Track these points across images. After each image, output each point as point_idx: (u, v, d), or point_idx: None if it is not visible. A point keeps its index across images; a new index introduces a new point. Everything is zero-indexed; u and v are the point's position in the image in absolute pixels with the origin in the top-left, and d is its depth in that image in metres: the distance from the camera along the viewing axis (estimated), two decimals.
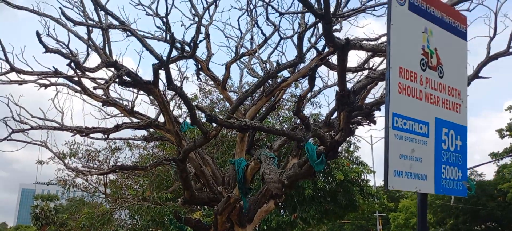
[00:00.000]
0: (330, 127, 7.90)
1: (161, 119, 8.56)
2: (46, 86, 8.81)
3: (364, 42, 7.14)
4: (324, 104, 25.98)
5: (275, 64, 8.82)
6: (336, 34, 7.61)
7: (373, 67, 8.50)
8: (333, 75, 10.37)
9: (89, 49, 8.27)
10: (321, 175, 16.02)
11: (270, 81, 8.85)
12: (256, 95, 9.17)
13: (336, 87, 5.21)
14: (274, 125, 15.78)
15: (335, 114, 7.93)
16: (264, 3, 9.05)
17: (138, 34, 7.56)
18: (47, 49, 7.05)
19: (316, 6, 5.35)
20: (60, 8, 7.30)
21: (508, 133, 34.98)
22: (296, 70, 8.58)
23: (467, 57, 3.88)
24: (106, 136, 9.53)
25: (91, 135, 9.77)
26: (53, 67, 8.01)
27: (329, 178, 16.38)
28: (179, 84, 8.46)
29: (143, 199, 14.43)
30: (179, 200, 8.82)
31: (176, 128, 8.04)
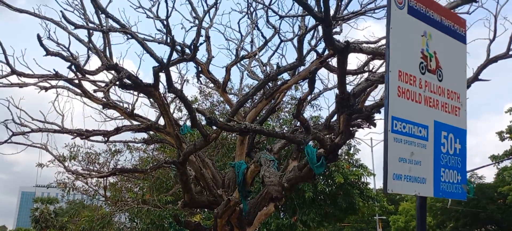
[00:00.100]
0: (330, 129, 7.91)
1: (161, 121, 8.56)
2: (46, 89, 8.81)
3: (364, 45, 7.16)
4: (324, 107, 25.97)
5: (275, 66, 8.84)
6: (336, 36, 7.62)
7: (373, 70, 8.52)
8: (333, 78, 10.39)
9: (90, 52, 8.28)
10: (321, 177, 16.02)
11: (270, 84, 8.86)
12: (256, 98, 9.18)
13: (336, 90, 5.23)
14: (274, 128, 15.79)
15: (335, 117, 7.94)
16: (264, 6, 9.08)
17: (139, 37, 7.58)
18: (48, 52, 7.07)
19: (316, 9, 5.37)
20: (61, 11, 7.32)
21: (508, 135, 34.98)
22: (296, 73, 8.60)
23: (467, 60, 3.89)
24: (106, 138, 9.53)
25: (91, 138, 9.75)
26: (54, 70, 8.03)
27: (329, 180, 16.38)
28: (179, 87, 8.48)
29: (143, 202, 14.43)
30: (179, 203, 8.81)
31: (176, 130, 8.05)
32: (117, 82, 7.05)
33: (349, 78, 9.14)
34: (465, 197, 3.66)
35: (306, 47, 8.61)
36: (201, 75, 9.73)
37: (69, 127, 9.57)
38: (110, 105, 8.65)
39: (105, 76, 9.00)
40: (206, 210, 14.37)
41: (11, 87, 8.55)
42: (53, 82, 8.83)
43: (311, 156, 5.85)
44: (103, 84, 8.51)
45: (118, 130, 9.02)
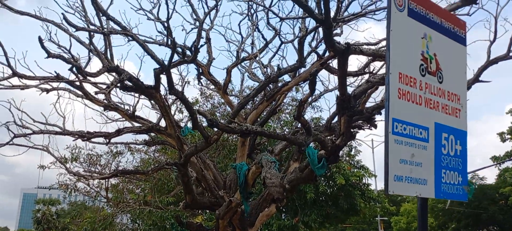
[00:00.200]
0: (331, 131, 7.91)
1: (163, 123, 8.58)
2: (48, 91, 8.84)
3: (364, 47, 7.17)
4: (324, 108, 25.96)
5: (276, 68, 8.85)
6: (336, 38, 7.65)
7: (374, 72, 8.52)
8: (334, 79, 10.39)
9: (91, 54, 8.30)
10: (323, 179, 16.02)
11: (271, 86, 8.87)
12: (257, 99, 9.19)
13: (337, 92, 5.23)
14: (275, 129, 15.80)
15: (336, 119, 7.95)
16: (265, 8, 9.09)
17: (140, 39, 7.60)
18: (50, 55, 7.08)
19: (316, 11, 5.38)
20: (62, 13, 7.34)
21: (509, 136, 34.93)
22: (297, 75, 8.61)
23: (467, 61, 3.90)
24: (107, 140, 9.54)
25: (93, 139, 9.78)
26: (55, 72, 8.06)
27: (330, 182, 16.39)
28: (180, 89, 8.49)
29: (144, 203, 14.44)
30: (181, 204, 8.82)
31: (178, 132, 8.06)
32: (118, 84, 7.07)
33: (350, 79, 9.15)
34: (466, 198, 3.66)
35: (306, 49, 8.63)
36: (202, 77, 9.75)
37: (70, 129, 9.59)
38: (111, 107, 8.67)
39: (106, 78, 9.03)
40: (207, 211, 14.39)
41: (12, 89, 8.58)
42: (55, 84, 8.86)
43: (312, 157, 5.86)
44: (104, 86, 8.54)
45: (119, 132, 9.04)
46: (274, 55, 9.90)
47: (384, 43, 8.19)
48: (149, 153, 16.38)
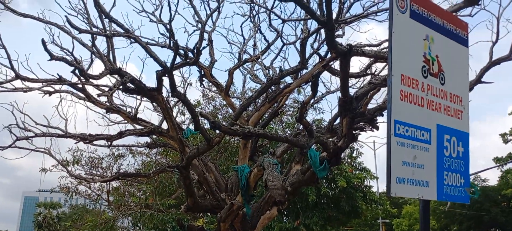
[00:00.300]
0: (333, 133, 7.91)
1: (165, 125, 8.59)
2: (50, 93, 8.86)
3: (366, 48, 7.16)
4: (326, 110, 25.89)
5: (278, 70, 8.86)
6: (338, 39, 7.65)
7: (376, 73, 8.52)
8: (336, 81, 10.41)
9: (93, 56, 8.32)
10: (324, 181, 16.02)
11: (273, 87, 8.88)
12: (259, 101, 9.20)
13: (339, 93, 5.23)
14: (277, 131, 15.81)
15: (337, 120, 7.95)
16: (267, 10, 9.10)
17: (142, 41, 7.62)
18: (52, 57, 7.11)
19: (318, 12, 5.39)
20: (65, 16, 7.37)
21: (511, 137, 34.88)
22: (299, 76, 8.61)
23: (469, 62, 3.90)
24: (109, 142, 9.55)
25: (95, 142, 9.79)
26: (58, 74, 8.07)
27: (332, 184, 16.39)
28: (182, 91, 8.51)
29: (146, 206, 14.44)
30: (182, 207, 8.82)
31: (179, 134, 8.07)
32: (121, 87, 7.08)
33: (352, 81, 9.15)
34: (469, 200, 3.66)
35: (308, 50, 8.65)
36: (204, 79, 9.76)
37: (72, 131, 9.60)
38: (113, 110, 8.68)
39: (109, 80, 9.05)
40: (209, 214, 14.38)
41: (15, 92, 8.59)
42: (57, 87, 8.87)
43: (314, 159, 5.85)
44: (106, 89, 8.55)
45: (121, 134, 9.05)
46: (276, 57, 9.93)
47: (386, 44, 8.20)
48: (151, 156, 16.40)
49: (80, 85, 8.45)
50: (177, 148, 8.45)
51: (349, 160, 17.41)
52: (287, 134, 13.51)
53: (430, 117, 3.40)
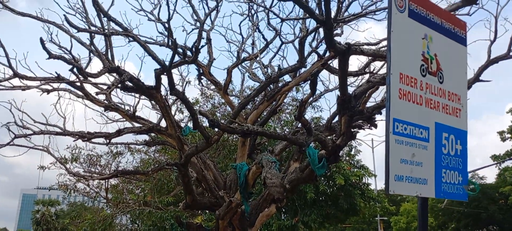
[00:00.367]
0: (331, 131, 7.94)
1: (163, 123, 8.60)
2: (48, 91, 8.86)
3: (364, 47, 7.19)
4: (325, 108, 25.97)
5: (276, 68, 8.87)
6: (337, 38, 7.67)
7: (374, 71, 8.55)
8: (334, 79, 10.42)
9: (92, 54, 8.32)
10: (323, 179, 16.04)
11: (272, 86, 8.89)
12: (258, 99, 9.21)
13: (337, 92, 5.25)
14: (276, 129, 15.82)
15: (336, 119, 7.97)
16: (265, 9, 9.10)
17: (141, 40, 7.62)
18: (51, 55, 7.10)
19: (317, 11, 5.40)
20: (64, 15, 7.36)
21: (509, 135, 34.97)
22: (297, 75, 8.63)
23: (467, 61, 3.92)
24: (107, 140, 9.56)
25: (93, 140, 9.80)
26: (56, 73, 8.07)
27: (330, 182, 16.41)
28: (181, 89, 8.51)
29: (144, 203, 14.44)
30: (181, 204, 8.84)
31: (178, 132, 8.08)
32: (119, 85, 7.09)
33: (350, 79, 9.17)
34: (467, 197, 3.68)
35: (307, 49, 8.65)
36: (202, 77, 9.77)
37: (70, 129, 9.61)
38: (111, 108, 8.69)
39: (107, 79, 9.04)
40: (207, 211, 14.41)
41: (13, 90, 8.59)
42: (55, 85, 8.87)
43: (313, 157, 5.88)
44: (105, 87, 8.56)
45: (119, 132, 9.06)
46: (274, 56, 9.94)
47: (384, 43, 8.22)
48: (149, 153, 16.40)
49: (78, 84, 8.46)
50: (175, 145, 8.46)
51: (347, 158, 17.44)
52: (285, 132, 13.54)
53: (429, 115, 3.42)
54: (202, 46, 8.30)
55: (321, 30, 8.46)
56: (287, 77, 9.00)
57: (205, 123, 11.71)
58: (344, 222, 21.10)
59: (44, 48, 6.98)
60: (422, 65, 3.42)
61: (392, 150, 3.11)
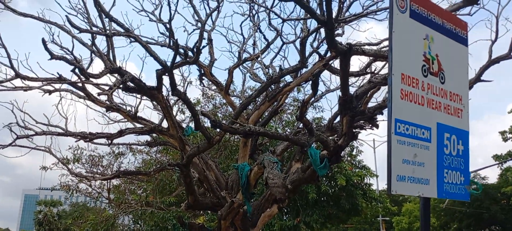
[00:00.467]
0: (333, 131, 7.94)
1: (165, 124, 8.60)
2: (50, 92, 8.87)
3: (366, 47, 7.18)
4: (326, 108, 25.98)
5: (277, 69, 8.87)
6: (338, 38, 7.65)
7: (375, 72, 8.54)
8: (336, 79, 10.43)
9: (93, 55, 8.34)
10: (325, 179, 16.03)
11: (273, 86, 8.89)
12: (259, 100, 9.21)
13: (339, 92, 5.25)
14: (277, 129, 15.81)
15: (338, 119, 7.97)
16: (267, 9, 9.10)
17: (142, 40, 7.63)
18: (53, 56, 7.12)
19: (318, 12, 5.40)
20: (66, 16, 7.38)
21: (511, 135, 34.90)
22: (299, 75, 8.62)
23: (469, 61, 3.92)
24: (109, 141, 9.57)
25: (95, 140, 9.81)
26: (58, 73, 8.09)
27: (332, 182, 16.40)
28: (182, 90, 8.52)
29: (146, 204, 14.44)
30: (183, 205, 8.85)
31: (180, 133, 8.08)
32: (121, 85, 7.10)
33: (352, 80, 9.16)
34: (469, 197, 3.68)
35: (308, 49, 8.65)
36: (204, 77, 9.77)
37: (72, 130, 9.62)
38: (113, 108, 8.70)
39: (109, 79, 9.06)
40: (209, 212, 14.40)
41: (15, 91, 8.61)
42: (57, 86, 8.89)
43: (315, 157, 5.88)
44: (106, 88, 8.57)
45: (121, 133, 9.07)
46: (275, 56, 9.94)
47: (385, 43, 8.21)
48: (151, 154, 16.40)
49: (80, 84, 8.47)
50: (177, 146, 8.47)
51: (349, 158, 17.42)
52: (287, 133, 13.54)
53: (430, 115, 3.42)
54: (204, 47, 8.31)
55: (322, 30, 8.46)
56: (288, 78, 9.00)
57: (207, 124, 11.73)
58: (346, 222, 21.08)
59: (46, 49, 7.00)
60: (423, 66, 3.43)
61: (394, 150, 3.11)
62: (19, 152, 9.74)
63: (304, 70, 8.50)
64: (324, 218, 16.51)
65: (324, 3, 4.00)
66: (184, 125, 10.50)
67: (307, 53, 8.45)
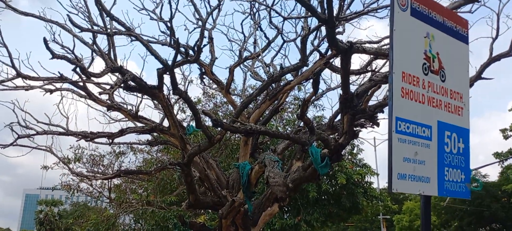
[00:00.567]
0: (334, 129, 7.94)
1: (166, 123, 8.61)
2: (51, 91, 8.89)
3: (366, 45, 7.19)
4: (327, 107, 25.93)
5: (278, 67, 8.87)
6: (338, 36, 7.65)
7: (376, 70, 8.54)
8: (336, 78, 10.42)
9: (94, 54, 8.35)
10: (325, 177, 16.03)
11: (274, 85, 8.89)
12: (260, 98, 9.22)
13: (340, 90, 5.25)
14: (278, 128, 15.80)
15: (338, 117, 7.97)
16: (267, 7, 9.10)
17: (143, 39, 7.63)
18: (54, 55, 7.12)
19: (319, 10, 5.40)
20: (67, 14, 7.38)
21: None
22: (300, 73, 8.63)
23: (469, 59, 3.92)
24: (110, 140, 9.58)
25: (96, 140, 9.82)
26: (59, 72, 8.10)
27: (333, 180, 16.40)
28: (183, 89, 8.53)
29: (147, 203, 14.45)
30: (184, 204, 8.87)
31: (181, 132, 8.09)
32: (122, 85, 7.10)
33: (352, 78, 9.15)
34: (469, 195, 3.68)
35: (309, 47, 8.65)
36: (204, 76, 9.77)
37: (73, 129, 9.63)
38: (114, 108, 8.71)
39: (110, 78, 9.07)
40: (210, 211, 14.41)
41: (16, 90, 8.63)
42: (58, 85, 8.91)
43: (316, 156, 5.88)
44: (107, 87, 8.58)
45: (122, 132, 9.08)
46: (276, 54, 9.94)
47: (386, 41, 8.21)
48: (152, 153, 16.41)
49: (81, 84, 8.48)
50: (178, 145, 8.48)
51: (349, 157, 17.42)
52: (288, 131, 13.54)
53: (431, 113, 3.42)
54: (204, 45, 8.32)
55: (323, 28, 8.46)
56: (289, 76, 9.01)
57: (208, 122, 11.73)
58: (347, 220, 21.08)
59: (48, 48, 7.01)
60: (424, 64, 3.43)
61: (395, 149, 3.11)
62: (20, 152, 9.77)
63: (305, 68, 8.50)
64: (325, 217, 16.52)
65: (325, 1, 4.00)
66: (185, 124, 10.51)
67: (307, 52, 8.46)
